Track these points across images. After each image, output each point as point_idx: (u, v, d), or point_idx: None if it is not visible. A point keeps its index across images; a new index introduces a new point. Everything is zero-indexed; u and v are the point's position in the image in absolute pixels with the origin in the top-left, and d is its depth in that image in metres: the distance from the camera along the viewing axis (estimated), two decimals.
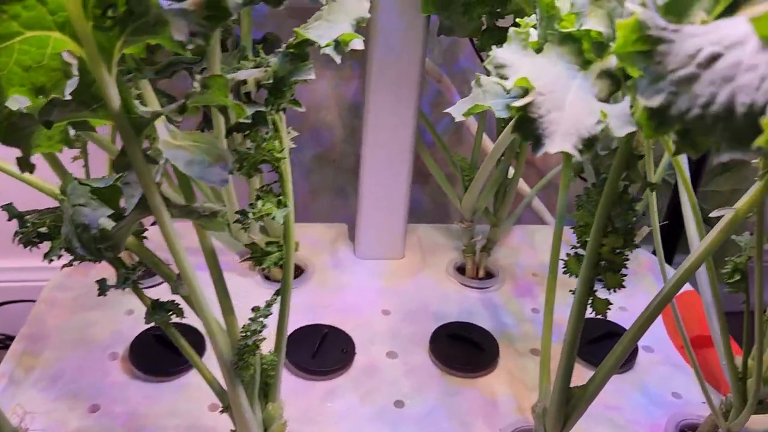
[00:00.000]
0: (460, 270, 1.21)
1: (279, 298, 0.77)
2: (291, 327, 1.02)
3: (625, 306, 1.13)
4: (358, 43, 0.67)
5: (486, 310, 1.11)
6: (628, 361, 1.01)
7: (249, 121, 0.61)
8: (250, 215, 0.71)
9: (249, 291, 1.10)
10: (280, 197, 0.73)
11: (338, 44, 0.64)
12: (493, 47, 0.59)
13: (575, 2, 0.61)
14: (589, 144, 0.55)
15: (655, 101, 0.46)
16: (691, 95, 0.44)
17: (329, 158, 1.60)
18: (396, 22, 0.98)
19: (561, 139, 0.55)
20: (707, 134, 0.44)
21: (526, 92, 0.57)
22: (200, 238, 0.72)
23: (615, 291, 0.73)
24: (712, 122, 0.42)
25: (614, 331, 1.02)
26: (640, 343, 1.04)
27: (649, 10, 0.45)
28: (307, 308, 1.07)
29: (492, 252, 1.22)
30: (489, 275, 1.20)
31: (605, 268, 0.75)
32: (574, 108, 0.56)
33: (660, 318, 1.11)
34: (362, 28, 0.66)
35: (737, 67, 0.42)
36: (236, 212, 0.72)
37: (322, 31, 0.65)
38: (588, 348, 1.00)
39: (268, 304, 0.74)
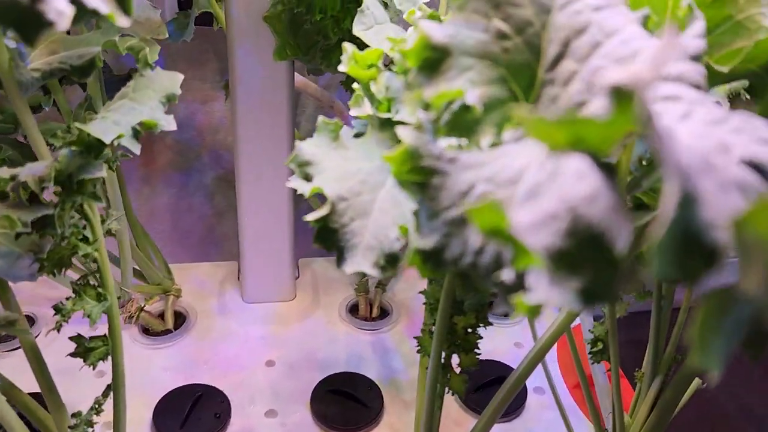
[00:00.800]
0: (354, 309, 1.16)
1: (111, 394, 0.70)
2: (164, 388, 0.96)
3: (521, 341, 1.10)
4: (168, 125, 0.60)
5: (376, 354, 1.06)
6: (515, 407, 0.97)
7: (28, 230, 0.54)
8: (64, 312, 0.65)
9: (125, 347, 1.03)
10: (100, 289, 0.66)
11: (137, 133, 0.57)
12: (296, 142, 0.53)
13: (390, 85, 0.55)
14: (393, 260, 0.50)
15: (429, 242, 0.40)
16: (464, 240, 0.38)
17: (230, 180, 1.54)
18: (256, 67, 0.91)
19: (361, 255, 0.49)
20: (486, 283, 0.39)
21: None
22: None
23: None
24: (484, 273, 0.37)
25: (506, 375, 0.98)
26: (531, 384, 1.01)
27: (423, 133, 0.40)
28: (184, 365, 1.01)
29: (389, 287, 1.17)
30: (384, 313, 1.15)
31: (459, 347, 0.70)
32: (382, 215, 0.50)
33: (556, 354, 1.08)
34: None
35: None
36: (53, 307, 0.66)
37: (119, 116, 0.58)
38: (476, 396, 0.97)
39: (94, 409, 0.68)
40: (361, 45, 0.72)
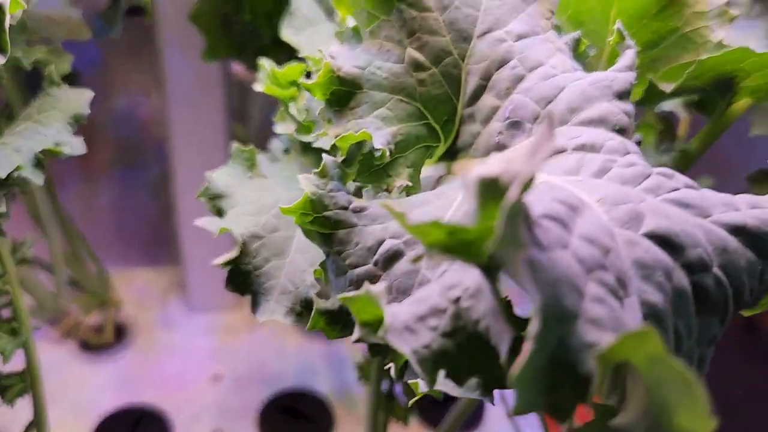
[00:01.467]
0: None
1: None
2: (102, 410, 0.91)
3: None
4: (76, 149, 0.55)
5: (328, 365, 1.03)
6: (473, 419, 0.95)
7: None
8: None
9: (62, 365, 0.99)
10: (14, 324, 0.61)
11: (40, 161, 0.52)
12: (207, 173, 0.49)
13: (311, 107, 0.50)
14: (310, 306, 0.46)
15: (334, 304, 0.37)
16: None
17: None
18: (187, 67, 0.86)
19: (275, 301, 0.45)
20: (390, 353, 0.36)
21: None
22: None
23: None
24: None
25: None
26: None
27: (329, 179, 0.36)
28: (124, 383, 0.97)
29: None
30: None
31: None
32: (299, 255, 0.46)
33: None
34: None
35: (413, 276, 0.33)
36: None
37: (22, 142, 0.53)
38: (433, 409, 0.94)
39: None
40: (293, 50, 0.68)
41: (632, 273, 0.25)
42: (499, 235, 0.18)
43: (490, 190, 0.20)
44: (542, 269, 0.20)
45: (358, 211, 0.35)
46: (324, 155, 0.36)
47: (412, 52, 0.38)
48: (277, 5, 0.76)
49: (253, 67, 0.81)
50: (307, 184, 0.35)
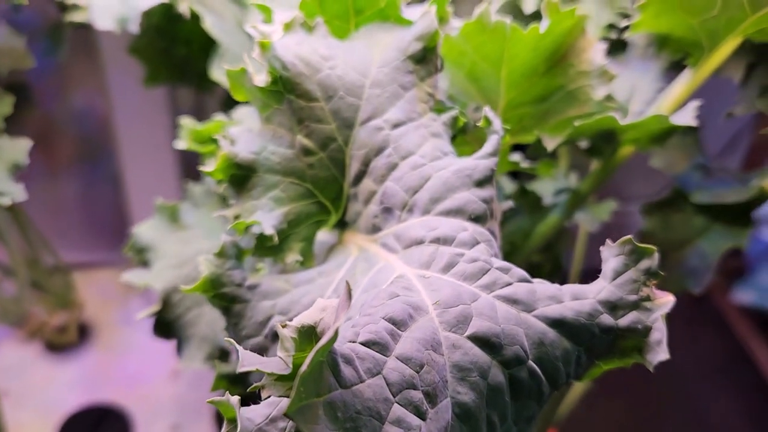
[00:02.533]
0: None
1: None
2: (65, 409, 0.97)
3: None
4: (17, 196, 0.59)
5: None
6: None
7: None
8: None
9: (27, 366, 1.04)
10: None
11: None
12: (133, 228, 0.53)
13: None
14: (227, 354, 0.51)
15: (231, 367, 0.42)
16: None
17: None
18: (132, 90, 0.89)
19: (196, 347, 0.50)
20: None
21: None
22: None
23: None
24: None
25: None
26: None
27: (226, 260, 0.40)
28: (88, 382, 1.02)
29: None
30: None
31: None
32: None
33: None
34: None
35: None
36: None
37: None
38: None
39: None
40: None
41: (450, 376, 0.30)
42: (296, 397, 0.23)
43: (306, 336, 0.25)
44: (343, 408, 0.25)
45: (252, 288, 0.40)
46: (223, 235, 0.41)
47: (301, 139, 0.42)
48: (211, 39, 0.79)
49: (198, 88, 0.84)
50: (206, 265, 0.40)
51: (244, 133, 0.43)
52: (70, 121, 1.36)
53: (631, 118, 0.57)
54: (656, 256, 0.35)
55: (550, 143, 0.51)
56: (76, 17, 0.59)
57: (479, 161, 0.40)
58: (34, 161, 1.41)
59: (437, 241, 0.37)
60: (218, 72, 0.68)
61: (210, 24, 0.66)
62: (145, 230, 0.53)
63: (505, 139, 0.58)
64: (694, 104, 0.49)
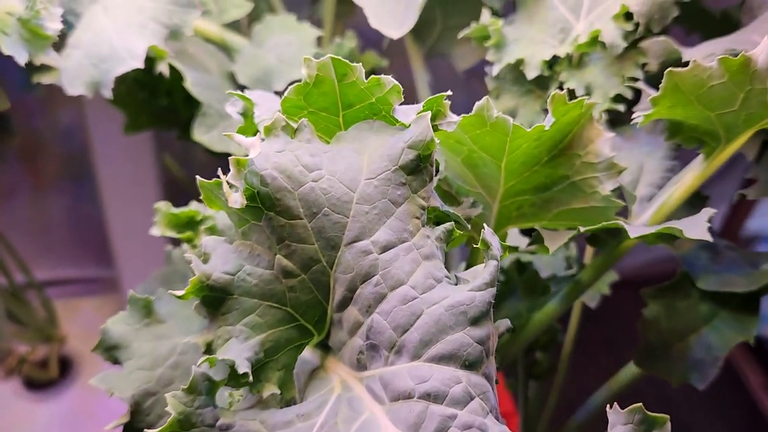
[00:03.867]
0: None
1: None
2: None
3: None
4: None
5: None
6: None
7: None
8: None
9: (6, 405, 1.01)
10: None
11: None
12: (102, 326, 0.50)
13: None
14: None
15: None
16: None
17: None
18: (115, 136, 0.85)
19: None
20: None
21: None
22: None
23: None
24: None
25: None
26: None
27: (196, 396, 0.37)
28: (68, 422, 0.99)
29: None
30: None
31: None
32: None
33: None
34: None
35: None
36: None
37: None
38: None
39: None
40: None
41: None
42: None
43: None
44: None
45: (225, 429, 0.37)
46: (193, 368, 0.38)
47: (281, 259, 0.39)
48: None
49: (180, 135, 0.80)
50: (174, 403, 0.36)
51: (218, 247, 0.39)
52: (54, 138, 1.32)
53: (638, 209, 0.54)
54: (668, 426, 0.32)
55: (553, 244, 0.48)
56: (45, 79, 0.55)
57: (475, 294, 0.37)
58: (18, 178, 1.37)
59: (427, 397, 0.34)
60: (200, 132, 0.64)
61: (191, 83, 0.62)
62: (116, 325, 0.49)
63: (504, 227, 0.55)
64: (709, 213, 0.45)
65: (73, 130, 1.36)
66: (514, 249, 0.57)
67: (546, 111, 0.64)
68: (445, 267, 0.39)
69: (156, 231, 0.51)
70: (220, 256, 0.39)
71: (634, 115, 0.48)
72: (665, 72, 0.44)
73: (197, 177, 0.40)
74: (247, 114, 0.47)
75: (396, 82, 0.41)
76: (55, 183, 1.37)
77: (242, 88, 0.69)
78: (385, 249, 0.38)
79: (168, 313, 0.52)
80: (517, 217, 0.53)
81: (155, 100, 0.71)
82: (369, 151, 0.40)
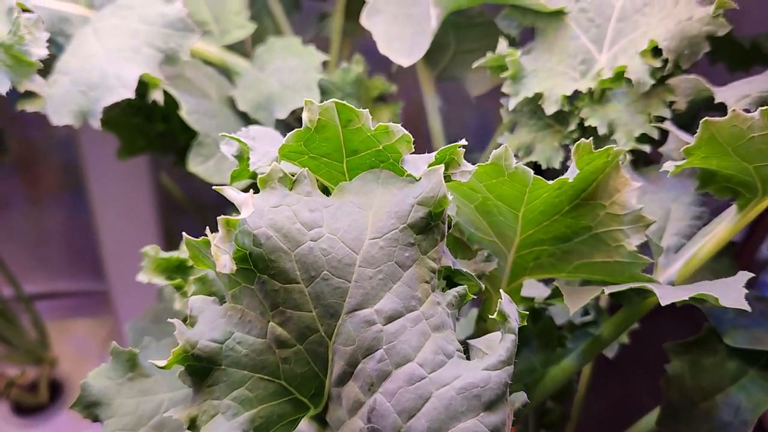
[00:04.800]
0: None
1: None
2: None
3: None
4: None
5: None
6: None
7: None
8: None
9: None
10: None
11: None
12: (83, 381, 0.46)
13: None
14: None
15: None
16: None
17: None
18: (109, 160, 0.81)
19: None
20: None
21: None
22: None
23: None
24: None
25: None
26: None
27: None
28: None
29: None
30: None
31: None
32: None
33: None
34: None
35: None
36: None
37: None
38: None
39: None
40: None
41: None
42: None
43: None
44: None
45: None
46: None
47: (275, 327, 0.35)
48: None
49: (177, 160, 0.76)
50: None
51: (206, 309, 0.36)
52: (50, 150, 1.28)
53: (665, 261, 0.50)
54: None
55: (573, 305, 0.44)
56: (29, 107, 0.52)
57: (491, 375, 0.33)
58: (13, 190, 1.34)
59: None
60: (195, 162, 0.60)
61: (187, 111, 0.58)
62: (97, 380, 0.45)
63: (519, 278, 0.51)
64: (746, 277, 0.41)
65: (68, 141, 1.33)
66: (530, 300, 0.53)
67: (565, 147, 0.61)
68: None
69: (143, 277, 0.48)
70: (207, 320, 0.35)
71: (664, 165, 0.44)
72: (701, 122, 0.40)
73: (184, 234, 0.36)
74: (242, 156, 0.43)
75: (405, 132, 0.37)
76: (50, 195, 1.33)
77: (243, 114, 0.65)
78: (390, 319, 0.34)
79: (154, 366, 0.48)
80: (533, 268, 0.49)
81: (151, 125, 0.67)
82: (375, 207, 0.37)
